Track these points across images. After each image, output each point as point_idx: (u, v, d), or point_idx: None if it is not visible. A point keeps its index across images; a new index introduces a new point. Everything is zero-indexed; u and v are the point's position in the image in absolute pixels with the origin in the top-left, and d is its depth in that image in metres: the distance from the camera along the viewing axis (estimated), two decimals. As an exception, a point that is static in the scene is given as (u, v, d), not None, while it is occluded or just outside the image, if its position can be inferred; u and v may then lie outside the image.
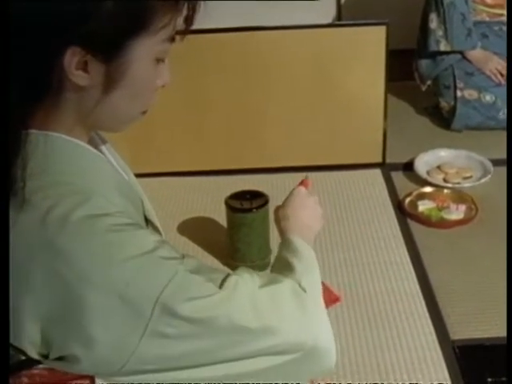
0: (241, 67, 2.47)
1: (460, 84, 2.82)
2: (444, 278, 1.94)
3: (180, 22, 0.84)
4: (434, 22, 2.82)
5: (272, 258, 2.02)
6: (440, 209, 2.26)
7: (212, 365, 0.84)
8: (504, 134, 2.76)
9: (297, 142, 2.58)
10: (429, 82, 2.99)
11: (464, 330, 1.73)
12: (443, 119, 2.93)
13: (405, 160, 2.63)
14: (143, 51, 0.81)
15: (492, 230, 2.14)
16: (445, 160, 2.56)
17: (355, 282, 1.95)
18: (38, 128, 0.82)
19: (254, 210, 1.91)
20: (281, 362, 0.88)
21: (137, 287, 0.77)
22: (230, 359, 0.84)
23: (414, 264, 2.01)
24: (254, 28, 2.43)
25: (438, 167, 2.52)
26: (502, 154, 2.55)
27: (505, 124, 2.77)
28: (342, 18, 3.40)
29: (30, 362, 0.87)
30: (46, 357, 0.84)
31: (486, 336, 1.70)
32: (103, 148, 0.96)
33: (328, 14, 3.37)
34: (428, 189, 2.38)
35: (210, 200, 2.41)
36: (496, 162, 2.49)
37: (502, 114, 2.77)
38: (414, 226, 2.22)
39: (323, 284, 1.09)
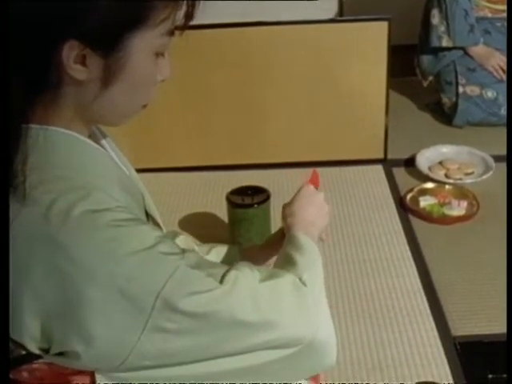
0: (242, 63, 2.46)
1: (462, 80, 2.81)
2: (445, 275, 1.93)
3: (180, 17, 0.84)
4: (436, 18, 2.81)
5: (273, 254, 2.03)
6: (441, 205, 2.26)
7: (212, 359, 0.84)
8: (505, 130, 2.76)
9: (298, 138, 2.58)
10: (430, 78, 2.99)
11: (465, 326, 1.72)
12: (445, 115, 2.92)
13: (406, 156, 2.62)
14: (142, 45, 0.80)
15: (494, 227, 2.13)
16: (446, 156, 2.56)
17: (356, 278, 1.95)
18: (38, 122, 0.82)
19: (256, 206, 1.91)
20: (280, 356, 0.89)
21: (137, 282, 0.76)
22: (231, 353, 0.84)
23: (415, 260, 2.01)
24: (256, 23, 2.42)
25: (440, 163, 2.51)
26: (504, 150, 2.53)
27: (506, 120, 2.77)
28: (344, 13, 3.39)
29: (31, 357, 0.87)
30: (46, 351, 0.84)
31: (487, 332, 1.69)
32: (104, 142, 0.95)
33: (330, 9, 3.37)
34: (430, 185, 2.37)
35: (210, 195, 2.41)
36: (498, 158, 2.48)
37: (504, 110, 2.76)
38: (415, 222, 2.21)
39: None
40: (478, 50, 2.81)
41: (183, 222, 2.25)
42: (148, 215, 0.97)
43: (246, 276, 0.86)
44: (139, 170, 1.07)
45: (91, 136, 0.91)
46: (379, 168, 2.58)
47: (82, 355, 0.80)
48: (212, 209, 2.31)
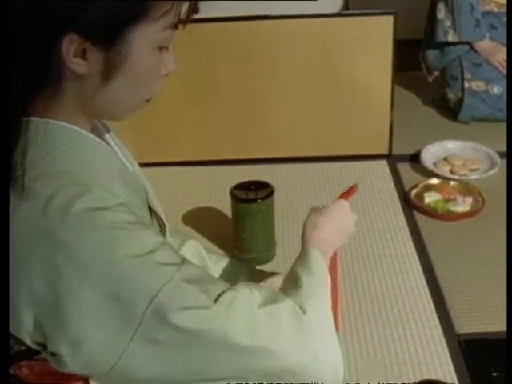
0: (246, 57, 2.45)
1: (467, 75, 2.79)
2: (450, 271, 1.92)
3: (184, 10, 0.83)
4: (441, 12, 2.79)
5: (277, 251, 2.02)
6: (446, 201, 2.24)
7: (201, 382, 0.82)
8: (511, 126, 2.75)
9: (303, 133, 2.56)
10: (436, 73, 2.97)
11: (470, 323, 1.71)
12: (450, 111, 2.90)
13: (411, 151, 2.61)
14: (143, 39, 0.79)
15: (499, 223, 2.11)
16: (452, 152, 2.54)
17: (360, 274, 1.94)
18: (39, 116, 0.81)
19: (259, 201, 1.90)
20: None
21: (131, 287, 0.76)
22: (220, 376, 0.82)
23: (419, 256, 1.99)
24: (260, 17, 2.40)
25: (445, 159, 2.50)
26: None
27: (513, 116, 2.76)
28: (350, 7, 3.37)
29: (30, 352, 0.87)
30: (44, 347, 0.83)
31: (492, 330, 1.68)
32: (107, 137, 0.94)
33: (335, 3, 3.34)
34: (434, 181, 2.36)
35: (214, 190, 2.39)
36: (503, 155, 2.46)
37: (510, 106, 2.74)
38: (420, 218, 2.20)
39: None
40: (484, 45, 2.79)
41: (186, 216, 2.24)
42: (151, 210, 0.96)
43: (244, 298, 0.83)
44: (142, 165, 1.06)
45: (94, 130, 0.90)
46: (384, 163, 2.56)
47: (69, 358, 0.79)
48: (215, 204, 2.30)
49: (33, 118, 0.81)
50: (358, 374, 1.55)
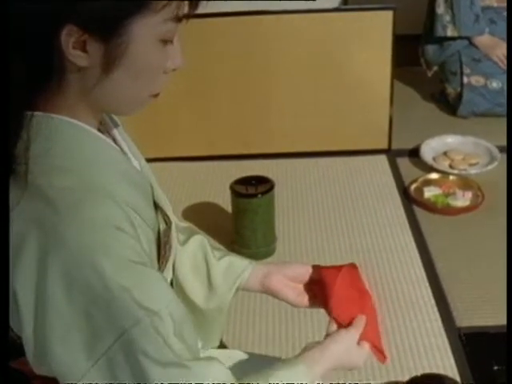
0: (246, 52, 2.45)
1: (467, 70, 2.79)
2: (450, 265, 1.93)
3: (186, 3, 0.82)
4: (441, 7, 2.79)
5: (277, 245, 2.03)
6: (446, 195, 2.25)
7: None
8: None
9: (303, 128, 2.56)
10: (435, 68, 2.97)
11: (470, 317, 1.72)
12: (449, 105, 2.91)
13: (411, 146, 2.61)
14: (143, 31, 0.78)
15: (498, 217, 2.12)
16: (451, 146, 2.55)
17: (360, 268, 1.93)
18: (42, 111, 0.81)
19: (259, 196, 1.90)
20: None
21: (107, 315, 0.74)
22: None
23: (419, 250, 2.00)
24: (261, 12, 2.40)
25: (445, 153, 2.50)
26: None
27: (512, 110, 2.76)
28: (349, 2, 3.36)
29: None
30: None
31: (492, 324, 1.69)
32: (115, 132, 0.93)
33: (333, 1, 3.34)
34: (434, 175, 2.36)
35: (214, 185, 2.40)
36: (503, 149, 2.47)
37: (509, 101, 2.75)
38: (419, 212, 2.21)
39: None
40: (484, 40, 2.79)
41: (187, 211, 2.25)
42: (156, 206, 0.96)
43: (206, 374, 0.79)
44: (143, 160, 1.05)
45: (102, 125, 0.89)
46: (383, 158, 2.57)
47: (34, 362, 0.79)
48: (216, 199, 2.30)
49: (36, 113, 0.80)
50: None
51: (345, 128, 2.58)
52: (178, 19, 0.80)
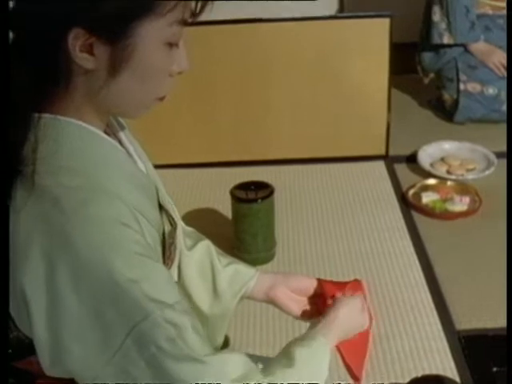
0: (245, 60, 2.47)
1: (463, 77, 2.82)
2: (448, 269, 1.94)
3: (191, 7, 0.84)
4: (437, 15, 2.82)
5: (277, 250, 2.04)
6: (444, 200, 2.27)
7: None
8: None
9: (301, 134, 2.58)
10: (432, 75, 3.00)
11: (469, 320, 1.73)
12: (446, 112, 2.93)
13: (408, 152, 2.63)
14: (150, 34, 0.79)
15: (496, 222, 2.14)
16: (448, 152, 2.57)
17: (360, 272, 1.96)
18: (50, 113, 0.82)
19: (259, 201, 1.92)
20: None
21: (116, 311, 0.75)
22: None
23: (418, 255, 2.02)
24: (260, 20, 2.43)
25: (442, 159, 2.52)
26: (506, 147, 2.56)
27: (508, 117, 2.78)
28: (345, 10, 3.40)
29: None
30: None
31: (491, 326, 1.70)
32: (122, 135, 0.94)
33: (331, 6, 3.37)
34: (432, 181, 2.38)
35: (214, 192, 2.41)
36: (499, 155, 2.49)
37: (505, 107, 2.77)
38: (417, 217, 2.22)
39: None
40: (479, 47, 2.82)
41: (187, 217, 2.26)
42: (162, 208, 0.97)
43: (221, 365, 0.79)
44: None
45: (109, 128, 0.90)
46: (381, 164, 2.59)
47: (48, 363, 0.79)
48: (215, 205, 2.32)
49: (43, 115, 0.81)
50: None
51: (343, 134, 2.60)
52: (184, 22, 0.82)
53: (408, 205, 2.28)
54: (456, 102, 2.83)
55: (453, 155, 2.54)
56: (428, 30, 2.88)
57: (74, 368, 0.77)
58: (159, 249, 0.90)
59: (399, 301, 1.82)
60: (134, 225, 0.79)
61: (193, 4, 0.83)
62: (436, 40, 2.85)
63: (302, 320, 1.13)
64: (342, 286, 1.10)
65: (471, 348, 1.63)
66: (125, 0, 0.76)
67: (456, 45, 2.84)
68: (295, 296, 1.13)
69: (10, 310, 0.83)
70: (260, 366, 0.87)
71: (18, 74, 0.79)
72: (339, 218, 2.25)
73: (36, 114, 0.81)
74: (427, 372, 1.54)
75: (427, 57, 2.95)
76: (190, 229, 1.21)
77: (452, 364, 1.58)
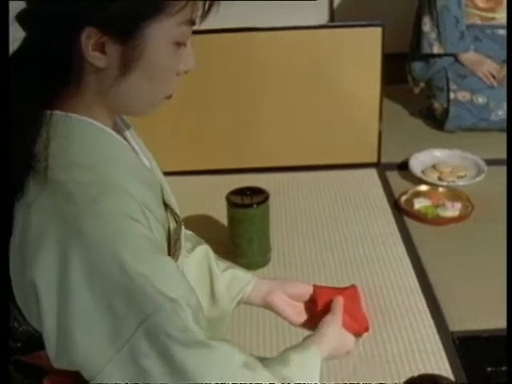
0: (239, 68, 2.50)
1: (453, 86, 2.86)
2: (441, 273, 1.97)
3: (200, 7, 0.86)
4: (427, 25, 2.87)
5: (272, 255, 2.06)
6: (436, 206, 2.30)
7: None
8: (496, 135, 2.83)
9: (295, 142, 2.61)
10: (422, 85, 3.04)
11: (463, 322, 1.76)
12: (436, 121, 2.97)
13: (399, 160, 2.66)
14: (160, 33, 0.81)
15: (487, 227, 2.18)
16: (439, 160, 2.60)
17: (354, 277, 1.98)
18: (60, 110, 0.84)
19: (255, 206, 1.94)
20: None
21: (128, 303, 0.76)
22: None
23: (411, 260, 2.05)
24: (253, 29, 2.46)
25: (433, 166, 2.56)
26: (495, 155, 2.61)
27: (497, 125, 2.83)
28: (335, 20, 3.44)
29: None
30: None
31: (484, 328, 1.73)
32: (127, 133, 0.97)
33: (321, 16, 3.41)
34: (423, 187, 2.41)
35: (208, 198, 2.43)
36: (489, 162, 2.53)
37: (494, 116, 2.82)
38: (410, 223, 2.25)
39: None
40: (469, 57, 2.87)
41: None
42: (166, 205, 0.99)
43: (228, 352, 0.82)
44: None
45: (115, 126, 0.92)
46: (373, 172, 2.62)
47: (54, 354, 0.80)
48: (210, 211, 2.34)
49: (55, 112, 0.83)
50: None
51: (336, 142, 2.63)
52: (192, 22, 0.85)
53: (400, 211, 2.31)
54: (446, 111, 2.87)
55: (444, 162, 2.57)
56: (418, 40, 2.93)
57: (79, 360, 0.79)
58: (165, 245, 0.92)
59: (394, 305, 1.85)
60: (143, 220, 0.81)
61: (201, 5, 0.85)
62: (426, 50, 2.89)
63: (297, 326, 1.15)
64: (337, 292, 1.12)
65: (465, 349, 1.65)
66: (136, 0, 0.78)
67: (446, 54, 2.88)
68: (292, 301, 1.16)
69: (19, 303, 0.85)
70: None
71: (31, 73, 0.82)
72: (333, 224, 2.27)
73: (48, 112, 0.83)
74: (423, 372, 1.56)
75: (417, 66, 3.00)
76: (189, 232, 1.23)
77: (447, 365, 1.60)
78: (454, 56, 2.89)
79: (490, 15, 2.87)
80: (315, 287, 1.15)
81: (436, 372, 1.57)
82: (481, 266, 1.99)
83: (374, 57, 2.49)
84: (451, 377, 1.55)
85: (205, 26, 0.92)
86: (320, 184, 2.54)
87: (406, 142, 2.81)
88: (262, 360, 0.90)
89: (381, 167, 2.64)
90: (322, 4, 3.46)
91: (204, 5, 0.85)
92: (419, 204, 2.31)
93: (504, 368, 1.56)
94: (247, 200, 1.95)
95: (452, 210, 2.27)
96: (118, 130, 0.94)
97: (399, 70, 3.08)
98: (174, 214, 0.99)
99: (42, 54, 0.80)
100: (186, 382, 0.77)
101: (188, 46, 0.87)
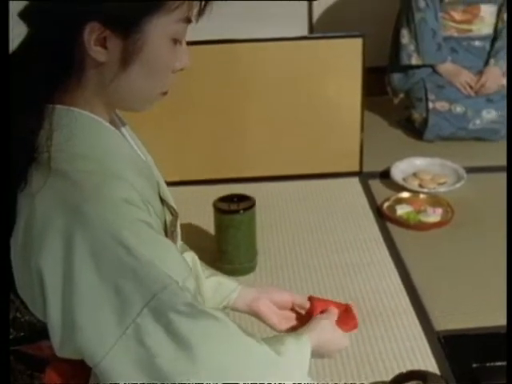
0: (223, 79, 2.53)
1: (431, 96, 2.92)
2: (425, 275, 2.01)
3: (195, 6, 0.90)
4: (405, 38, 2.94)
5: (258, 262, 2.09)
6: (417, 212, 2.34)
7: None
8: (474, 144, 2.91)
9: (279, 153, 2.65)
10: (401, 95, 3.10)
11: (448, 321, 1.80)
12: (416, 131, 3.02)
13: (381, 169, 2.71)
14: (159, 29, 0.85)
15: (467, 231, 2.24)
16: (420, 168, 2.65)
17: (340, 282, 2.01)
18: (61, 103, 0.87)
19: (242, 212, 1.97)
20: None
21: (134, 283, 0.79)
22: None
23: (395, 263, 2.08)
24: (236, 41, 2.50)
25: (414, 174, 2.60)
26: (474, 163, 2.68)
27: (475, 134, 2.91)
28: (314, 32, 3.49)
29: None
30: None
31: (467, 326, 1.77)
32: (123, 130, 1.00)
33: (300, 31, 3.46)
34: (405, 194, 2.46)
35: (194, 208, 2.44)
36: (468, 170, 2.59)
37: (472, 125, 2.89)
38: (393, 228, 2.29)
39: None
40: (447, 67, 2.94)
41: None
42: (162, 201, 1.01)
43: (230, 326, 0.85)
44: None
45: (112, 122, 0.95)
46: (355, 180, 2.66)
47: (60, 341, 0.82)
48: (195, 220, 2.35)
49: (57, 106, 0.86)
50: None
51: (319, 153, 2.67)
52: (188, 20, 0.89)
53: (383, 217, 2.35)
54: (425, 121, 2.93)
55: (424, 170, 2.63)
56: (397, 52, 3.00)
57: (84, 345, 0.80)
58: (163, 234, 0.95)
59: (380, 307, 1.88)
60: (143, 206, 0.84)
61: (196, 3, 0.89)
62: (405, 61, 2.96)
63: (282, 332, 1.17)
64: (333, 304, 1.16)
65: (450, 347, 1.69)
66: None
67: (424, 66, 2.95)
68: (277, 309, 1.20)
69: (22, 293, 0.87)
70: None
71: (34, 67, 0.84)
72: (317, 231, 2.30)
73: (49, 105, 0.86)
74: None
75: (397, 78, 3.06)
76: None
77: (433, 362, 1.64)
78: (432, 67, 2.96)
79: (467, 27, 2.94)
80: (311, 297, 1.18)
81: (423, 368, 1.60)
82: (462, 268, 2.04)
83: (355, 67, 2.54)
84: (438, 373, 1.58)
85: (187, 37, 0.96)
86: (304, 193, 2.58)
87: (387, 152, 2.86)
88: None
89: (363, 176, 2.68)
90: (302, 18, 3.52)
91: (200, 4, 0.89)
92: (401, 210, 2.36)
93: (488, 364, 1.60)
94: (234, 206, 1.98)
95: (433, 215, 2.31)
96: (115, 125, 0.97)
97: (378, 83, 3.13)
98: (169, 207, 1.02)
99: (46, 49, 0.83)
100: (192, 353, 0.79)
101: (183, 44, 0.91)
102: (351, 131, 2.66)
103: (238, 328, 0.86)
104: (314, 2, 3.48)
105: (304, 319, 1.15)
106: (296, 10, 3.43)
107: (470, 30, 2.94)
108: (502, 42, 2.91)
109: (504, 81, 2.89)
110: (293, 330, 1.15)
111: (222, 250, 2.02)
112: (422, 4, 2.88)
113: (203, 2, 0.89)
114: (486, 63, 2.95)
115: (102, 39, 0.83)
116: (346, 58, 2.54)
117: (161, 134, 2.56)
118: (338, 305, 1.15)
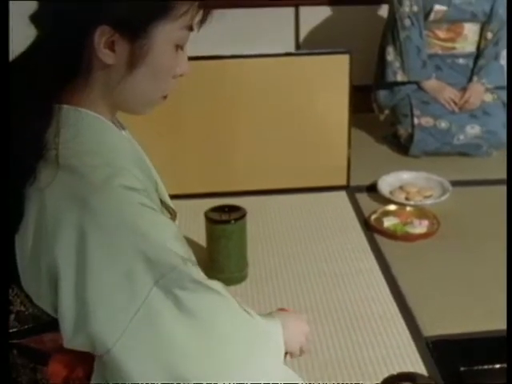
0: (212, 94, 2.57)
1: (417, 112, 2.99)
2: (412, 284, 2.05)
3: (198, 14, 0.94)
4: (391, 55, 3.01)
5: (249, 273, 2.12)
6: (404, 224, 2.39)
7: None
8: (458, 159, 2.97)
9: (267, 167, 2.68)
10: (387, 112, 3.17)
11: (435, 327, 1.83)
12: (401, 146, 3.08)
13: (368, 183, 2.75)
14: (164, 35, 0.90)
15: (453, 242, 2.29)
16: (406, 181, 2.70)
17: (330, 290, 2.04)
18: (68, 103, 0.91)
19: (233, 222, 2.00)
20: None
21: (144, 265, 0.82)
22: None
23: (383, 273, 2.12)
24: (224, 57, 2.54)
25: (400, 187, 2.65)
26: (459, 176, 2.74)
27: (459, 149, 2.97)
28: (301, 47, 3.56)
29: (54, 324, 0.90)
30: None
31: (455, 332, 1.81)
32: (123, 133, 1.04)
33: (288, 46, 3.53)
34: (392, 207, 2.51)
35: (184, 221, 2.46)
36: (454, 183, 2.64)
37: (457, 140, 2.95)
38: (380, 240, 2.33)
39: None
40: (431, 84, 3.01)
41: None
42: (161, 201, 1.05)
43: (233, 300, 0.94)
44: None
45: (114, 123, 0.99)
46: (343, 194, 2.71)
47: (71, 329, 0.84)
48: (186, 232, 2.38)
49: (64, 106, 0.90)
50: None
51: (307, 167, 2.71)
52: (191, 28, 0.93)
53: (371, 229, 2.39)
54: (411, 136, 2.99)
55: (410, 183, 2.68)
56: (383, 69, 3.06)
57: (96, 332, 0.83)
58: None
59: (368, 314, 1.91)
60: (148, 197, 0.88)
61: (199, 13, 0.94)
62: (390, 78, 3.02)
63: None
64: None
65: (439, 351, 1.72)
66: (147, 3, 0.86)
67: (409, 82, 3.02)
68: None
69: (27, 287, 0.90)
70: None
71: (43, 68, 0.88)
72: (306, 243, 2.34)
73: (56, 105, 0.89)
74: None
75: (382, 94, 3.12)
76: None
77: (422, 366, 1.67)
78: (417, 83, 3.03)
79: (450, 45, 3.02)
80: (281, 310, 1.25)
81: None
82: (448, 277, 2.08)
83: (342, 83, 2.59)
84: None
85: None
86: (293, 206, 2.62)
87: (374, 167, 2.90)
88: None
89: (350, 189, 2.73)
90: (288, 38, 3.59)
91: (203, 13, 0.94)
92: (388, 222, 2.40)
93: (476, 367, 1.64)
94: (225, 216, 2.01)
95: (420, 227, 2.36)
96: (117, 127, 1.00)
97: (364, 101, 3.19)
98: (167, 206, 1.06)
99: (55, 51, 0.87)
100: (202, 326, 0.85)
101: (184, 51, 0.96)
102: (339, 147, 2.71)
103: (235, 302, 0.92)
104: (301, 21, 3.56)
105: None
106: (283, 29, 3.51)
107: (453, 48, 3.02)
108: (484, 60, 2.99)
109: (486, 97, 2.97)
110: None
111: (214, 259, 2.05)
112: (407, 22, 2.95)
113: (205, 12, 0.93)
114: (470, 80, 3.02)
115: (111, 42, 0.87)
116: (333, 75, 2.59)
117: (150, 150, 2.58)
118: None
